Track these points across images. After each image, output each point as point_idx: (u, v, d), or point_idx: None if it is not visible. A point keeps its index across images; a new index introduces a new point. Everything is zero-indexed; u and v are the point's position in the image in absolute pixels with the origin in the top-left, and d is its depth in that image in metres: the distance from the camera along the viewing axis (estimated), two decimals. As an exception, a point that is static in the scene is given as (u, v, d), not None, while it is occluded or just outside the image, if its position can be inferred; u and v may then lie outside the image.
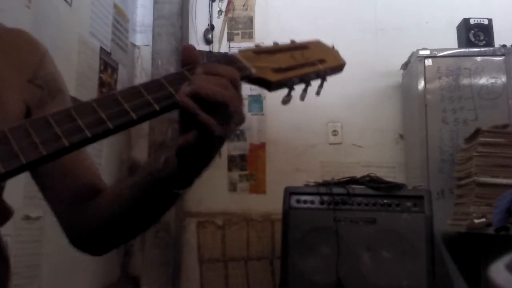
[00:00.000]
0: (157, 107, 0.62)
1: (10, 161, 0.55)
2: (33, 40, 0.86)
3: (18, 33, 0.86)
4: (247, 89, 2.90)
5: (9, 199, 0.78)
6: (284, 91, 0.75)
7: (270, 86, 0.72)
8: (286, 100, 0.75)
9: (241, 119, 0.66)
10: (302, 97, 0.76)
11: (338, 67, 0.82)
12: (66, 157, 0.61)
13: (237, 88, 0.65)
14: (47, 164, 0.64)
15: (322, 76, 0.79)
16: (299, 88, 0.77)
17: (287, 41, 0.82)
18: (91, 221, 0.80)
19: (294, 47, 0.79)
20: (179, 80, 0.65)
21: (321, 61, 0.79)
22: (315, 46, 0.83)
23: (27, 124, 0.59)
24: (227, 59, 0.71)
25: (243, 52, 0.73)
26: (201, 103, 0.62)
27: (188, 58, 0.68)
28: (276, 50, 0.77)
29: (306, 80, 0.76)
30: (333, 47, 0.85)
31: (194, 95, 0.62)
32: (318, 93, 0.79)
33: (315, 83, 0.79)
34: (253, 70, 0.71)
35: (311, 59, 0.78)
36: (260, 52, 0.75)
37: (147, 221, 0.80)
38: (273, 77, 0.72)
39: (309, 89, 0.78)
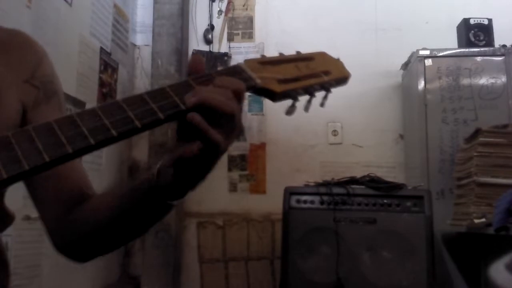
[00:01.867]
0: (161, 115, 0.62)
1: (12, 166, 0.55)
2: (32, 41, 0.86)
3: (17, 34, 0.86)
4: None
5: (9, 200, 0.78)
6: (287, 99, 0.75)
7: (275, 97, 0.72)
8: (290, 111, 0.74)
9: (241, 132, 0.66)
10: (307, 108, 0.76)
11: (342, 79, 0.81)
12: (61, 166, 0.60)
13: (241, 101, 0.65)
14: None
15: (327, 88, 0.78)
16: (303, 98, 0.76)
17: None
18: (76, 228, 0.79)
19: (299, 58, 0.79)
20: (184, 89, 0.64)
21: (326, 72, 0.78)
22: (320, 57, 0.82)
23: (30, 129, 0.58)
24: (232, 69, 0.71)
25: (248, 62, 0.73)
26: (206, 114, 0.61)
27: (195, 69, 0.67)
28: (281, 61, 0.77)
29: (310, 91, 0.76)
30: (338, 59, 0.84)
31: (201, 104, 0.61)
32: (322, 104, 0.78)
33: (320, 94, 0.79)
34: (258, 81, 0.70)
35: (316, 71, 0.78)
36: (265, 62, 0.75)
37: (135, 231, 0.79)
38: (278, 88, 0.72)
39: (313, 99, 0.78)
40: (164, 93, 0.64)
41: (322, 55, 0.83)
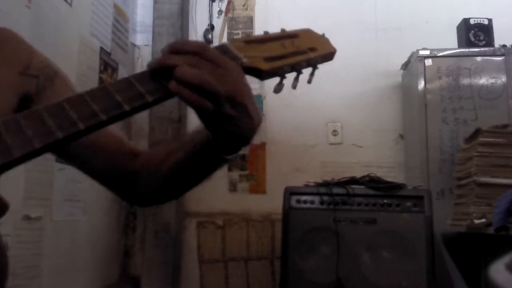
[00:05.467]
0: (149, 98, 0.63)
1: (3, 155, 0.56)
2: (19, 36, 0.89)
3: (3, 31, 0.88)
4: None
5: (9, 200, 0.78)
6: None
7: (262, 75, 0.72)
8: (278, 88, 0.75)
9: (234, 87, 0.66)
10: (294, 86, 0.77)
11: (328, 54, 0.81)
12: (96, 136, 0.64)
13: (207, 56, 0.65)
14: (75, 146, 0.67)
15: (313, 64, 0.79)
16: (290, 76, 0.77)
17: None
18: (142, 182, 0.86)
19: (284, 36, 0.79)
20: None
21: (312, 49, 0.79)
22: (305, 34, 0.82)
23: (19, 117, 0.59)
24: (218, 49, 0.71)
25: (234, 41, 0.74)
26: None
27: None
28: (267, 39, 0.77)
29: (297, 68, 0.77)
30: (323, 35, 0.84)
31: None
32: (309, 81, 0.79)
33: (307, 72, 0.80)
34: (244, 60, 0.71)
35: (302, 48, 0.78)
36: (250, 41, 0.75)
37: (197, 180, 0.84)
38: (264, 66, 0.72)
39: (301, 77, 0.78)
40: (148, 76, 0.65)
41: (307, 32, 0.83)
